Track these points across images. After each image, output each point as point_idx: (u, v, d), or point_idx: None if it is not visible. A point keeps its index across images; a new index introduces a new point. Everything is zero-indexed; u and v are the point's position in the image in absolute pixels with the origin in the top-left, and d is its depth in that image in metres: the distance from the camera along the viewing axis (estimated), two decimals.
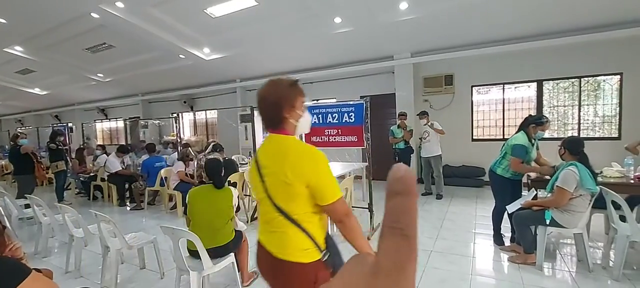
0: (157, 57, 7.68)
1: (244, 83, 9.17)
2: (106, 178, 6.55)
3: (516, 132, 3.47)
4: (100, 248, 3.22)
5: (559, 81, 6.11)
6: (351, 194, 4.22)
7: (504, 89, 6.52)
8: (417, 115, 6.05)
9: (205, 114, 11.11)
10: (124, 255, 3.57)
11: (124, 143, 8.67)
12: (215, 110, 10.51)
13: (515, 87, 6.44)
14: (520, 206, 3.20)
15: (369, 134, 4.02)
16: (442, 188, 5.88)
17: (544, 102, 6.24)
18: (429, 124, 5.84)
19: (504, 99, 6.55)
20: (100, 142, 13.12)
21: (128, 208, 6.23)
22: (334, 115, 4.26)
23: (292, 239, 1.28)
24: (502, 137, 6.43)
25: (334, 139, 4.28)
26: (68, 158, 7.11)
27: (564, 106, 6.16)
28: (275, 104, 1.34)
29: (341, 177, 4.66)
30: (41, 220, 3.98)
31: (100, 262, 3.28)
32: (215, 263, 2.54)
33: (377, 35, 6.11)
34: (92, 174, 7.12)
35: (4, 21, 6.17)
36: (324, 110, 4.34)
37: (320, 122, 4.35)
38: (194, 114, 11.31)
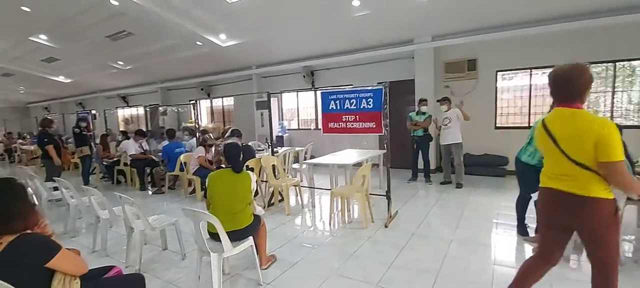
0: (175, 45, 7.75)
1: (260, 70, 9.15)
2: (129, 163, 6.75)
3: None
4: (125, 229, 3.32)
5: (591, 66, 5.77)
6: (368, 181, 4.17)
7: (531, 74, 6.23)
8: (438, 101, 5.89)
9: (222, 101, 11.22)
10: (148, 237, 3.67)
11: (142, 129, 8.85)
12: (232, 97, 10.59)
13: (543, 72, 6.14)
14: None
15: (388, 121, 3.93)
16: (463, 177, 5.73)
17: None
18: (454, 106, 5.66)
19: (531, 85, 6.26)
20: (121, 128, 13.49)
21: (149, 192, 6.41)
22: (352, 101, 4.18)
23: (593, 182, 1.65)
24: (527, 125, 6.18)
25: (352, 125, 4.21)
26: (92, 144, 7.33)
27: (596, 92, 5.84)
28: (579, 84, 1.70)
29: (358, 165, 4.60)
30: (69, 201, 4.13)
31: (125, 242, 3.38)
32: (235, 245, 2.57)
33: (396, 19, 5.93)
34: (115, 159, 7.35)
35: (28, 9, 6.34)
36: (341, 96, 4.27)
37: (338, 108, 4.29)
38: (211, 101, 11.44)
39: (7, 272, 1.47)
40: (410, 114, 6.13)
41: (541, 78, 6.20)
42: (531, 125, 5.89)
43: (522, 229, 3.53)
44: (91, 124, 7.91)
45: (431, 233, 3.73)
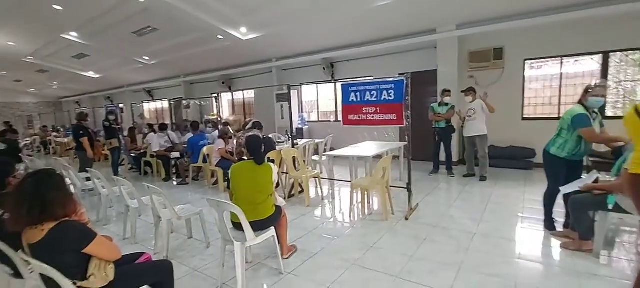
0: (197, 39, 7.90)
1: (280, 62, 9.20)
2: (155, 154, 7.01)
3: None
4: (153, 218, 3.46)
5: (629, 52, 5.43)
6: (388, 173, 4.14)
7: (562, 62, 5.93)
8: (462, 91, 5.72)
9: (243, 94, 11.38)
10: (174, 225, 3.81)
11: (167, 122, 9.14)
12: (252, 90, 10.72)
13: (575, 60, 5.84)
14: (577, 189, 2.93)
15: (409, 112, 3.87)
16: (487, 170, 5.57)
17: (609, 77, 5.60)
18: (479, 97, 5.50)
19: (561, 74, 5.97)
20: (148, 121, 13.99)
21: (174, 183, 6.64)
22: (372, 93, 4.14)
23: None
24: (557, 116, 5.91)
25: (372, 117, 4.18)
26: (121, 136, 7.65)
27: (633, 81, 5.49)
28: None
29: (378, 157, 4.57)
30: (101, 191, 4.35)
31: (153, 230, 3.54)
32: (257, 235, 2.63)
33: (419, 8, 5.78)
34: (142, 151, 7.65)
35: (60, 8, 6.64)
36: (362, 88, 4.23)
37: (358, 100, 4.26)
38: (232, 94, 11.63)
39: (49, 255, 1.58)
40: (432, 105, 6.00)
41: (573, 66, 5.89)
42: (561, 116, 5.64)
43: (549, 223, 3.41)
44: (119, 117, 8.24)
45: (453, 226, 3.67)
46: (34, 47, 9.78)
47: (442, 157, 6.09)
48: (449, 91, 5.83)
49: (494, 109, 5.42)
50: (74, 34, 8.39)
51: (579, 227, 2.93)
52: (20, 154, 7.68)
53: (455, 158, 6.40)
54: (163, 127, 7.31)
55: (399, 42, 6.98)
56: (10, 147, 7.39)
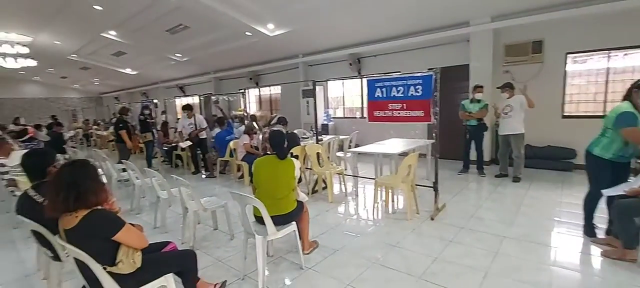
0: (226, 36, 8.09)
1: (307, 58, 9.21)
2: (186, 148, 7.26)
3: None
4: (181, 209, 3.59)
5: None
6: (414, 172, 4.02)
7: (609, 56, 5.48)
8: (499, 88, 5.40)
9: (269, 90, 11.53)
10: (200, 216, 3.93)
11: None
12: (279, 86, 10.83)
13: (625, 54, 5.36)
14: (622, 192, 2.70)
15: (438, 109, 3.73)
16: (521, 171, 5.27)
17: None
18: (518, 92, 5.18)
19: (608, 69, 5.52)
20: (179, 116, 14.55)
21: (203, 176, 6.86)
22: (399, 89, 4.03)
23: None
24: (602, 113, 5.47)
25: (398, 113, 4.06)
26: (154, 130, 8.01)
27: None
28: None
29: (404, 154, 4.45)
30: (134, 182, 4.58)
31: (181, 221, 3.67)
32: (279, 229, 2.65)
33: None
34: (173, 145, 7.97)
35: (100, 8, 7.03)
36: (388, 83, 4.13)
37: (384, 96, 4.16)
38: (259, 90, 11.82)
39: (81, 241, 1.67)
40: (462, 102, 5.74)
41: (621, 60, 5.41)
42: (606, 113, 5.22)
43: (589, 229, 3.16)
44: (153, 112, 8.62)
45: (482, 228, 3.51)
46: (77, 45, 10.46)
47: (473, 155, 5.84)
48: (482, 87, 5.55)
49: (534, 103, 5.10)
50: (112, 32, 8.87)
51: (623, 235, 2.69)
52: (64, 145, 8.27)
53: (487, 157, 6.12)
54: (188, 108, 6.99)
55: (429, 36, 6.75)
56: (55, 138, 7.96)
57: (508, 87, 5.26)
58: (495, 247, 3.05)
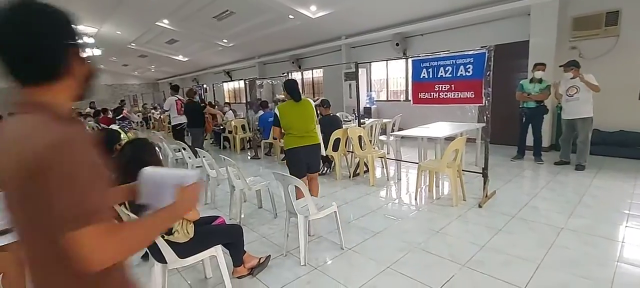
0: (270, 20, 8.21)
1: (349, 40, 9.05)
2: (232, 130, 7.64)
3: None
4: (229, 187, 3.81)
5: None
6: (461, 156, 3.82)
7: None
8: (562, 66, 4.79)
9: (312, 73, 11.57)
10: (246, 195, 4.14)
11: (245, 101, 9.78)
12: (321, 69, 10.81)
13: None
14: None
15: (490, 89, 3.48)
16: (586, 158, 4.75)
17: None
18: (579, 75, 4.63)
19: None
20: (227, 100, 15.24)
21: (249, 157, 7.17)
22: (447, 69, 3.81)
23: None
24: None
25: (446, 95, 3.86)
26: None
27: None
28: None
29: (451, 138, 4.24)
30: (187, 161, 4.93)
31: (228, 198, 3.90)
32: (320, 210, 2.70)
33: None
34: (221, 127, 8.41)
35: None
36: (435, 63, 3.92)
37: (430, 76, 3.97)
38: (302, 73, 11.90)
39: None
40: (521, 82, 5.23)
41: None
42: None
43: None
44: (202, 96, 9.11)
45: (536, 218, 3.26)
46: (135, 34, 11.31)
47: (529, 141, 5.37)
48: (544, 65, 4.99)
49: (598, 87, 4.52)
50: (165, 21, 9.45)
51: None
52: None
53: (545, 143, 5.61)
54: (175, 89, 7.25)
55: (482, 10, 6.23)
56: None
57: (573, 66, 4.67)
58: (551, 238, 2.83)
